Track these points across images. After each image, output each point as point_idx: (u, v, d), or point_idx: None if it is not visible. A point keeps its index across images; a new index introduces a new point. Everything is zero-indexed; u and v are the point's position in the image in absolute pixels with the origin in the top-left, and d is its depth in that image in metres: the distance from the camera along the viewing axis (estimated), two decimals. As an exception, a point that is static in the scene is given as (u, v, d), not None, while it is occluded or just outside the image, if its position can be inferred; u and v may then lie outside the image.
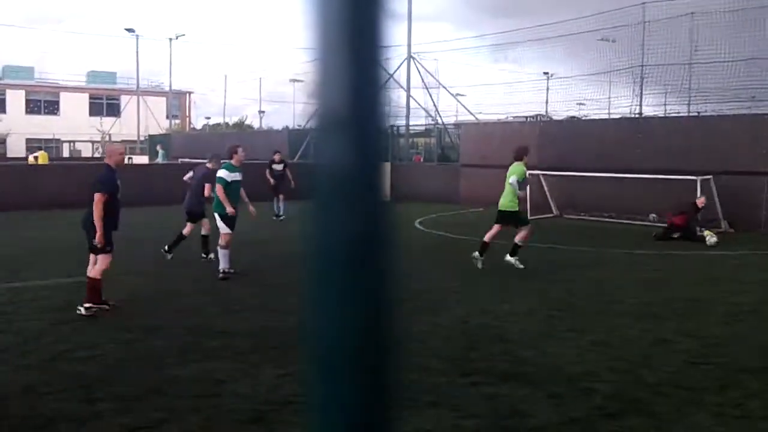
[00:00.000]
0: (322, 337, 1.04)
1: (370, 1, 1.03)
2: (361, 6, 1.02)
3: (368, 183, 1.03)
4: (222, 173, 12.96)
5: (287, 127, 56.16)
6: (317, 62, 1.02)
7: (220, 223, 12.79)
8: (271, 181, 23.89)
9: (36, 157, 38.04)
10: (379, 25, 1.03)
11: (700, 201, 18.90)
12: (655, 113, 27.37)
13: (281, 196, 23.48)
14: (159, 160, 45.02)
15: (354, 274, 1.03)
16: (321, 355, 1.04)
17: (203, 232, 14.53)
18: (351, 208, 1.02)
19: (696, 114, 25.53)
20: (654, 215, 20.95)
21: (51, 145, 67.58)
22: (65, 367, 7.74)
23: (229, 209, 12.63)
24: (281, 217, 23.20)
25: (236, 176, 13.05)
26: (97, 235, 9.86)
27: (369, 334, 1.05)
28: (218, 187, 12.81)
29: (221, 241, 12.75)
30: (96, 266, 10.11)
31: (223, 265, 12.70)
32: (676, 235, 18.21)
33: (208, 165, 14.59)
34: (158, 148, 48.17)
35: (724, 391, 7.17)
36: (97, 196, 9.90)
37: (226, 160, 13.35)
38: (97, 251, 10.06)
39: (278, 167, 24.37)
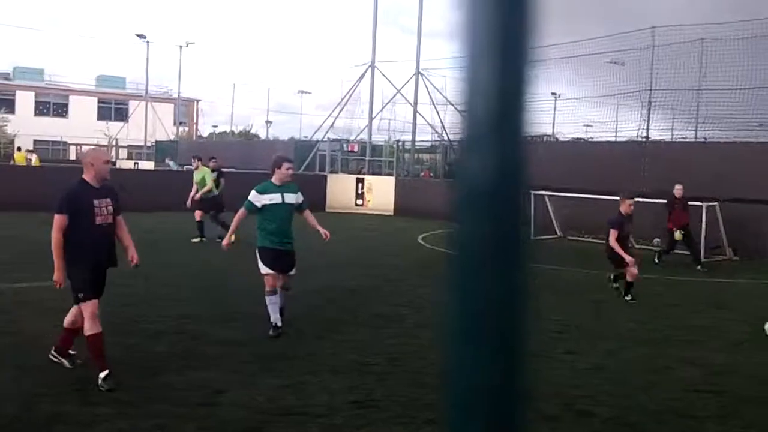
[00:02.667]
0: (458, 378, 1.02)
1: (519, 3, 0.99)
2: (512, 8, 0.98)
3: (512, 200, 1.01)
4: (251, 194, 9.94)
5: (293, 138, 56.31)
6: (465, 68, 0.99)
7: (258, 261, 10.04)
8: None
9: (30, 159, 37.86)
10: (529, 27, 1.00)
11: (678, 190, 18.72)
12: (662, 137, 27.38)
13: (212, 212, 19.62)
14: (172, 167, 45.46)
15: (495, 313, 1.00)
16: (456, 402, 1.02)
17: None
18: (493, 226, 0.99)
19: (703, 140, 25.53)
20: (658, 239, 20.88)
21: (58, 147, 67.81)
22: (65, 370, 7.74)
23: (226, 241, 10.20)
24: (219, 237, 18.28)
25: (275, 198, 9.86)
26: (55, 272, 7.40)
27: (503, 386, 1.02)
28: (240, 212, 9.99)
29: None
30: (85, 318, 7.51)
31: (272, 316, 9.79)
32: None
33: None
34: (167, 160, 48.68)
35: (724, 420, 7.15)
36: (54, 218, 7.43)
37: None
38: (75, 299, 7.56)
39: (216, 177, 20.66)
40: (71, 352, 7.88)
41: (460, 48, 1.01)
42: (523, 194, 1.03)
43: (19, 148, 41.56)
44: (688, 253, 18.54)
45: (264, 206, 9.83)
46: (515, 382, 1.03)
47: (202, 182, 19.35)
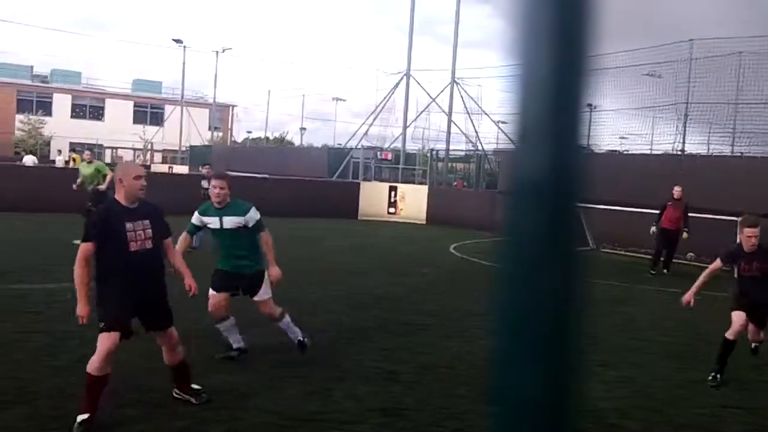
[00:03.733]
0: (507, 388, 1.00)
1: (578, 10, 0.98)
2: (569, 14, 0.97)
3: (566, 203, 0.99)
4: (193, 216, 8.61)
5: (327, 145, 56.47)
6: (520, 73, 0.98)
7: None
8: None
9: (73, 159, 38.17)
10: (586, 35, 0.98)
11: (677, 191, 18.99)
12: (698, 151, 27.10)
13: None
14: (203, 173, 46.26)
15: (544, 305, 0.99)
16: (505, 409, 1.00)
17: None
18: (547, 228, 0.98)
19: (739, 154, 25.24)
20: (692, 254, 20.68)
21: (93, 149, 68.58)
22: (93, 371, 7.79)
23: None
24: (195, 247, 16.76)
25: (214, 223, 8.36)
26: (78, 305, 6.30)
27: (553, 393, 1.00)
28: (182, 236, 8.43)
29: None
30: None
31: (230, 339, 8.82)
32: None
33: None
34: (201, 168, 49.45)
35: (754, 437, 7.05)
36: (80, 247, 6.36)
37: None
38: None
39: (207, 185, 19.29)
40: (195, 386, 7.02)
41: (514, 56, 0.99)
42: (578, 204, 1.01)
43: (73, 150, 42.41)
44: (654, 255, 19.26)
45: (209, 228, 8.47)
46: (566, 395, 1.01)
47: (93, 174, 18.94)
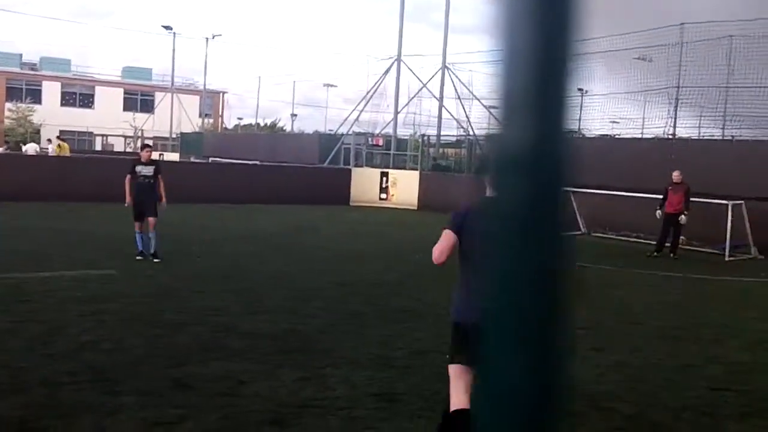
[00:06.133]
0: (493, 375, 1.01)
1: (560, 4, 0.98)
2: (552, 7, 0.98)
3: (551, 201, 1.00)
4: None
5: (318, 131, 56.38)
6: (501, 63, 0.99)
7: None
8: (127, 196, 14.42)
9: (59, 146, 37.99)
10: (570, 24, 0.99)
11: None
12: (689, 135, 27.15)
13: (150, 221, 14.19)
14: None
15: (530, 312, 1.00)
16: (492, 393, 1.02)
17: None
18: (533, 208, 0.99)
19: (730, 138, 25.31)
20: (682, 237, 20.76)
21: (84, 137, 68.34)
22: (89, 359, 7.80)
23: None
24: (155, 258, 14.00)
25: None
26: None
27: (540, 377, 1.01)
28: None
29: None
30: None
31: None
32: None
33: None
34: (192, 159, 50.03)
35: (747, 419, 7.10)
36: None
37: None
38: None
39: (146, 171, 14.60)
40: None
41: (496, 42, 0.99)
42: (564, 186, 1.02)
43: (56, 136, 42.47)
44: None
45: None
46: (553, 379, 1.02)
47: None
